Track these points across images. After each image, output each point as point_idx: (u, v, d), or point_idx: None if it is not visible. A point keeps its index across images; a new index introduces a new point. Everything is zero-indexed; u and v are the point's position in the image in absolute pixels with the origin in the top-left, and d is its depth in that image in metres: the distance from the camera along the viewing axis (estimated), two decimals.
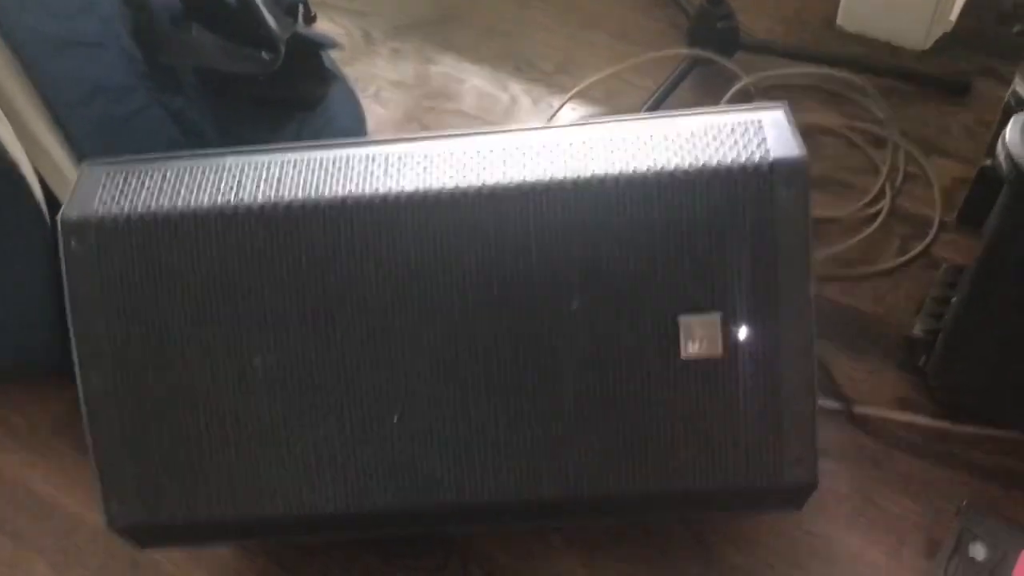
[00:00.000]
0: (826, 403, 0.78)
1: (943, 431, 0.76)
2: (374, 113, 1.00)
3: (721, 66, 1.00)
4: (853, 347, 0.81)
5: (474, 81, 1.05)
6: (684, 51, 1.01)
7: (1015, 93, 0.58)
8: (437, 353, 0.59)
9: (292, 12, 0.87)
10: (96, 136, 0.74)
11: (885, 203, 0.89)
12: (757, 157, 0.57)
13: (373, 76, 1.07)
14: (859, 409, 0.77)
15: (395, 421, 0.60)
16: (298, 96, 0.90)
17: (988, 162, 0.59)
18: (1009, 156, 0.55)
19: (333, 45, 0.90)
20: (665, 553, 0.72)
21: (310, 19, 0.91)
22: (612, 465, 0.61)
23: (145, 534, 0.65)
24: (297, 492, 0.62)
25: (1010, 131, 0.56)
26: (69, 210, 0.59)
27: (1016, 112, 0.58)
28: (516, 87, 1.04)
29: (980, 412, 0.75)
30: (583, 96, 1.02)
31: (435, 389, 0.60)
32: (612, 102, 1.02)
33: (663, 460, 0.60)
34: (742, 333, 0.58)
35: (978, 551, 0.67)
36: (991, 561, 0.66)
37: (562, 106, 1.02)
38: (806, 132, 0.94)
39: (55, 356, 0.76)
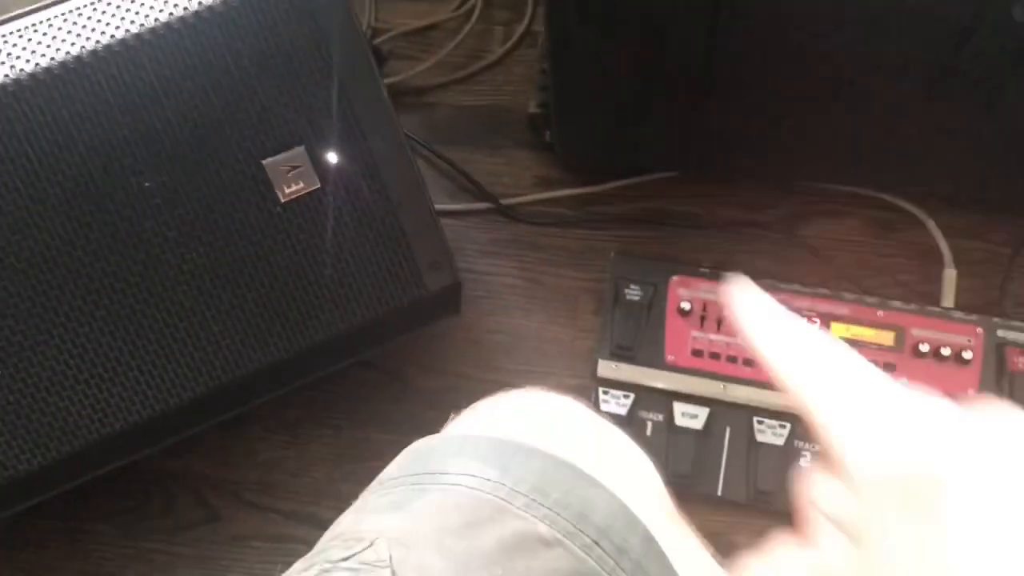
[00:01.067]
0: (474, 205, 0.78)
1: (584, 196, 0.78)
2: None
3: None
4: (486, 144, 0.81)
5: None
6: None
7: None
8: (27, 283, 0.53)
9: None
10: None
11: None
12: None
13: None
14: (505, 201, 0.78)
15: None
16: None
17: None
18: None
19: None
20: (364, 399, 0.72)
21: None
22: (260, 336, 0.58)
23: None
24: None
25: None
26: None
27: None
28: None
29: (607, 168, 0.78)
30: None
31: (33, 318, 0.54)
32: None
33: (308, 312, 0.58)
34: (332, 157, 0.56)
35: (634, 292, 0.70)
36: (645, 297, 0.69)
37: None
38: None
39: None
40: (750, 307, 0.32)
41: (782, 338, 0.31)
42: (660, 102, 0.66)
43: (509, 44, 0.85)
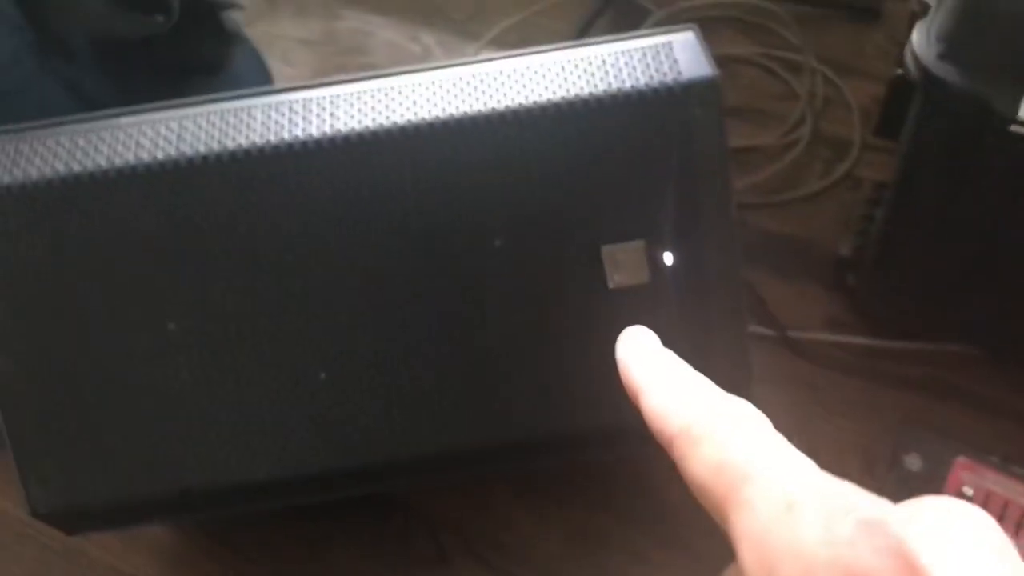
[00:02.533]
0: (759, 330, 0.78)
1: (875, 348, 0.76)
2: (283, 74, 0.97)
3: (634, 2, 0.99)
4: (783, 272, 0.81)
5: (384, 34, 1.02)
6: None
7: (919, 1, 0.57)
8: (359, 305, 0.57)
9: None
10: None
11: (806, 128, 0.89)
12: (670, 79, 0.56)
13: (278, 36, 1.03)
14: (792, 333, 0.77)
15: (322, 378, 0.58)
16: (199, 59, 0.86)
17: (899, 71, 0.58)
18: (916, 60, 0.54)
19: (233, 4, 0.87)
20: (606, 492, 0.72)
21: None
22: (546, 404, 0.59)
23: (70, 519, 0.62)
24: (224, 460, 0.59)
25: (915, 36, 0.55)
26: None
27: (920, 19, 0.57)
28: (428, 37, 1.02)
29: (909, 327, 0.76)
30: (498, 43, 1.00)
31: (360, 342, 0.58)
32: (527, 46, 1.00)
33: (598, 395, 0.59)
34: (667, 258, 0.57)
35: (913, 462, 0.67)
36: (926, 471, 0.67)
37: (477, 53, 1.00)
38: (723, 63, 0.94)
39: None
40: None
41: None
42: (994, 282, 0.64)
43: (828, 181, 0.86)
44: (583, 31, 0.97)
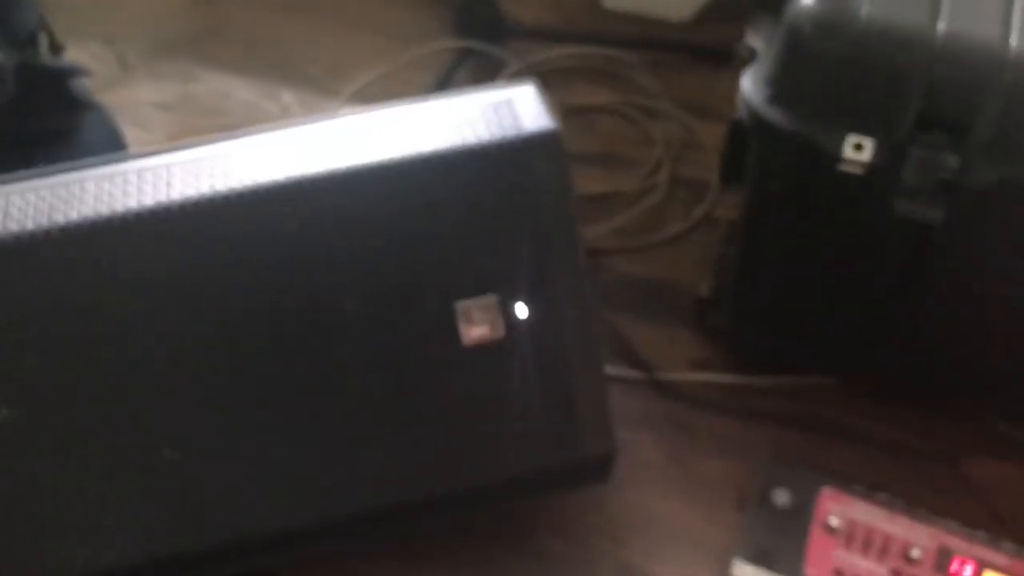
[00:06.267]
0: (628, 373, 0.78)
1: (742, 386, 0.77)
2: (137, 139, 0.94)
3: (492, 55, 0.99)
4: (648, 315, 0.82)
5: (242, 95, 1.01)
6: (453, 43, 1.00)
7: (746, 47, 0.59)
8: (205, 378, 0.55)
9: (31, 42, 0.81)
10: None
11: (664, 172, 0.90)
12: (511, 133, 0.56)
13: (133, 101, 1.01)
14: (660, 375, 0.78)
15: (168, 457, 0.56)
16: (45, 128, 0.83)
17: (735, 116, 0.60)
18: (747, 105, 0.56)
19: (80, 73, 0.84)
20: (486, 547, 0.71)
21: (57, 48, 0.85)
22: (409, 468, 0.58)
23: None
24: (80, 553, 0.56)
25: (745, 81, 0.57)
26: None
27: (750, 64, 0.59)
28: (287, 95, 1.01)
29: (773, 362, 0.77)
30: (359, 97, 1.00)
31: (209, 417, 0.56)
32: (390, 101, 1.00)
33: (461, 454, 0.59)
34: (520, 311, 0.57)
35: (781, 497, 0.68)
36: (794, 505, 0.67)
37: (338, 110, 0.99)
38: (580, 112, 0.97)
39: None
40: None
41: None
42: (844, 311, 0.66)
43: (688, 223, 0.87)
44: (442, 84, 0.97)
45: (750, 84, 0.57)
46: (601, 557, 0.71)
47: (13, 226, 0.54)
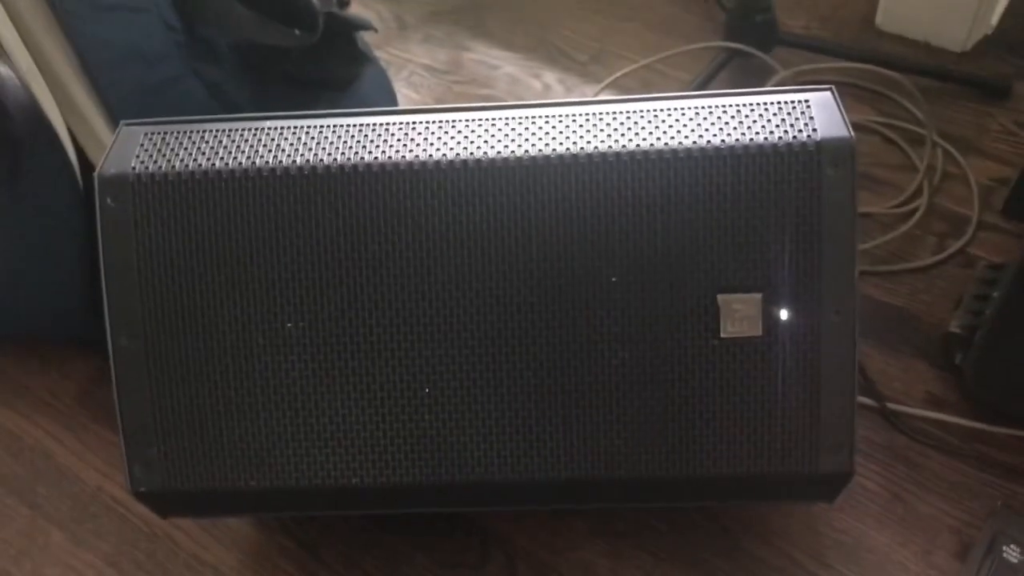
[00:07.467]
0: (859, 399, 0.77)
1: (978, 432, 0.74)
2: (406, 97, 1.00)
3: (758, 60, 0.99)
4: (887, 343, 0.80)
5: (507, 68, 1.05)
6: (721, 44, 1.00)
7: None
8: (471, 325, 0.58)
9: None
10: (131, 102, 0.74)
11: (922, 200, 0.88)
12: (805, 136, 0.56)
13: (406, 61, 1.06)
14: (893, 406, 0.76)
15: (425, 392, 0.59)
16: (331, 76, 0.89)
17: None
18: None
19: (368, 27, 0.90)
20: (689, 543, 0.71)
21: (344, 3, 0.91)
22: (646, 446, 0.59)
23: (166, 501, 0.64)
24: (321, 463, 0.61)
25: None
26: (106, 167, 0.59)
27: None
28: (549, 75, 1.04)
29: (1017, 413, 0.74)
30: (617, 86, 1.01)
31: (468, 363, 0.59)
32: (647, 92, 1.01)
33: (698, 442, 0.59)
34: (783, 314, 0.57)
35: (1012, 554, 0.65)
36: None
37: (596, 95, 1.01)
38: None
39: (82, 323, 0.76)
40: None
41: None
42: None
43: (940, 256, 0.84)
44: (705, 83, 0.97)
45: None
46: (799, 570, 0.70)
47: (324, 157, 0.59)
